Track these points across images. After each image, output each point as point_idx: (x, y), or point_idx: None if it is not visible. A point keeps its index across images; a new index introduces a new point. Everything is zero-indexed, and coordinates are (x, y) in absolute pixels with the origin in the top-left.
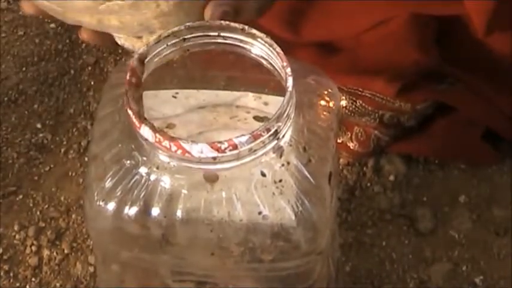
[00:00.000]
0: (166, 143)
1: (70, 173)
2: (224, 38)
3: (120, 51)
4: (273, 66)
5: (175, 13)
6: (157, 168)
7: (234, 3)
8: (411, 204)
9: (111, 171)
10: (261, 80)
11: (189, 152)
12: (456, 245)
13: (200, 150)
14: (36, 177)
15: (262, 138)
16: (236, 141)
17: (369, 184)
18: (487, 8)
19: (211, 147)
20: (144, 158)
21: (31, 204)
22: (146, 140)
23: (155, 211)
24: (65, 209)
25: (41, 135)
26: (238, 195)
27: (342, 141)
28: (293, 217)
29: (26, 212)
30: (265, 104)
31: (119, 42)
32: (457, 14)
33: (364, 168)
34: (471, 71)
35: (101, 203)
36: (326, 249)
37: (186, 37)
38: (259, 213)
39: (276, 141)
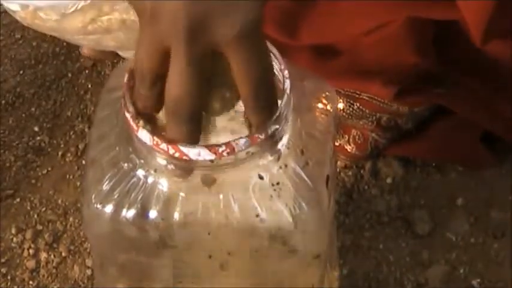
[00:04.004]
0: (164, 146)
1: (67, 176)
2: None
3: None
4: None
5: None
6: (155, 171)
7: None
8: (409, 206)
9: (109, 174)
10: None
11: (186, 155)
12: (453, 247)
13: (198, 153)
14: (33, 180)
15: (259, 141)
16: (234, 144)
17: (366, 187)
18: (484, 18)
19: (209, 150)
20: (142, 161)
21: (28, 207)
22: (144, 143)
23: (153, 214)
24: (62, 212)
25: (38, 138)
26: (235, 198)
27: (340, 144)
28: (290, 220)
29: (23, 215)
30: None
31: (123, 56)
32: (455, 18)
33: (362, 171)
34: (469, 74)
35: (99, 206)
36: (324, 253)
37: None
38: (257, 216)
39: (273, 144)
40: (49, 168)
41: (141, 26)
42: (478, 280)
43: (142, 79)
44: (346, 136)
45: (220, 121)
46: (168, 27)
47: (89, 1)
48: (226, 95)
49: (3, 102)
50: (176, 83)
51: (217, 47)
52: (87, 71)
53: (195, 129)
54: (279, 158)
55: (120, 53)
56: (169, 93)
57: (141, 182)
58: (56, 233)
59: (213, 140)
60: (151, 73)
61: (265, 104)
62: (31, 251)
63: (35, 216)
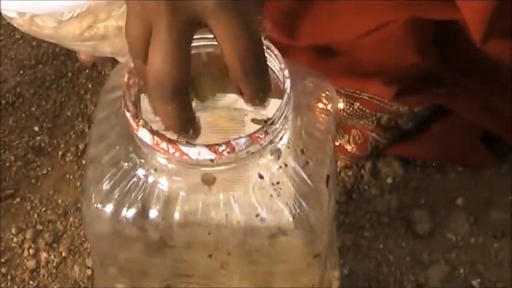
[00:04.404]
0: (164, 145)
1: (67, 176)
2: None
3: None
4: (271, 69)
5: None
6: (155, 170)
7: None
8: (409, 206)
9: (109, 173)
10: None
11: (186, 155)
12: (453, 247)
13: (198, 152)
14: (33, 180)
15: (259, 141)
16: (234, 143)
17: (366, 187)
18: (484, 18)
19: (209, 150)
20: (142, 161)
21: (28, 207)
22: (144, 142)
23: (153, 213)
24: (62, 212)
25: (38, 138)
26: (235, 197)
27: (340, 144)
28: (291, 219)
29: (23, 214)
30: None
31: (120, 61)
32: (455, 18)
33: (362, 171)
34: (469, 74)
35: (99, 206)
36: (324, 252)
37: None
38: (257, 215)
39: (273, 144)
40: (49, 168)
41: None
42: (478, 280)
43: (135, 52)
44: (346, 136)
45: (220, 121)
46: (149, 3)
47: (85, 8)
48: (214, 72)
49: (3, 102)
50: (157, 58)
51: (200, 19)
52: (87, 71)
53: (182, 107)
54: (279, 158)
55: (117, 58)
56: (150, 69)
57: (141, 182)
58: (56, 233)
59: (213, 140)
60: (142, 45)
61: (255, 72)
62: (31, 251)
63: (35, 216)
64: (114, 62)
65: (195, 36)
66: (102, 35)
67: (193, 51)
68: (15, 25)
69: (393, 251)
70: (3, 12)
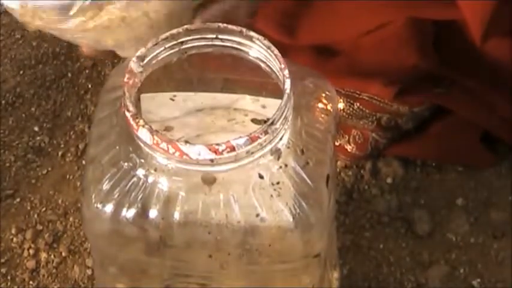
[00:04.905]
0: (164, 145)
1: (67, 176)
2: (222, 40)
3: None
4: (271, 69)
5: (168, 22)
6: (155, 170)
7: (224, 12)
8: (409, 206)
9: (109, 173)
10: (259, 82)
11: (186, 154)
12: (453, 247)
13: (198, 152)
14: (33, 180)
15: (259, 141)
16: (234, 143)
17: (366, 187)
18: (483, 17)
19: (209, 150)
20: (142, 160)
21: (28, 207)
22: (144, 142)
23: (153, 213)
24: (62, 212)
25: (38, 138)
26: (235, 197)
27: (340, 144)
28: (291, 219)
29: (23, 215)
30: (263, 106)
31: (121, 55)
32: (455, 18)
33: (362, 171)
34: (469, 74)
35: (99, 206)
36: (324, 252)
37: (183, 40)
38: (257, 215)
39: (273, 144)
40: (49, 168)
41: None
42: (478, 280)
43: None
44: (346, 136)
45: (220, 121)
46: None
47: (88, 2)
48: None
49: (3, 102)
50: None
51: None
52: (87, 71)
53: None
54: (279, 158)
55: (118, 52)
56: None
57: (141, 182)
58: (56, 233)
59: (213, 140)
60: None
61: None
62: (31, 251)
63: (35, 216)
64: (114, 60)
65: (194, 36)
66: (106, 26)
67: (193, 51)
68: (17, 17)
69: (393, 251)
70: (5, 3)
